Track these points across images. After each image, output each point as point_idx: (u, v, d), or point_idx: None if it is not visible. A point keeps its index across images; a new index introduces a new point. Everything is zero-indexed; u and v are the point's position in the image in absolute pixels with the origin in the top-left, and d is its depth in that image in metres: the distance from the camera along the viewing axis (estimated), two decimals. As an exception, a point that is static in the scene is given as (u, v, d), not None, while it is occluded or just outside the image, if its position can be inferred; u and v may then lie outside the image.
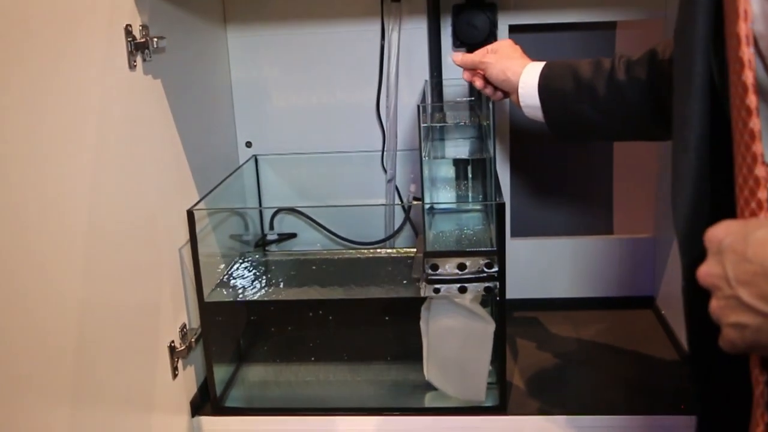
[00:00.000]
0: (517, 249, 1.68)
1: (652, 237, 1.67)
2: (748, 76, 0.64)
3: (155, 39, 1.17)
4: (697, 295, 0.63)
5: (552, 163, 1.72)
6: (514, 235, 1.70)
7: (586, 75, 1.13)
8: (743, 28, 0.64)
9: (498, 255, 1.25)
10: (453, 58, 1.29)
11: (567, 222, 1.73)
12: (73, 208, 0.95)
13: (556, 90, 1.16)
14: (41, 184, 0.88)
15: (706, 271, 0.61)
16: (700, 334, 0.73)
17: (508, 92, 1.24)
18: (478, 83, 1.27)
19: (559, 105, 1.17)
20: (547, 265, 1.71)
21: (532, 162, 1.71)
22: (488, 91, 1.27)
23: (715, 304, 0.61)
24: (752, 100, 0.64)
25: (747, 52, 0.64)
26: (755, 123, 0.64)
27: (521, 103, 1.20)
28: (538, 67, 1.19)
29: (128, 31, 1.12)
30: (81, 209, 0.97)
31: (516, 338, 1.57)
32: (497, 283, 1.25)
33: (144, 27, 1.16)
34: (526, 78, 1.19)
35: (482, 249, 1.28)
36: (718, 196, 0.73)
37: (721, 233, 0.61)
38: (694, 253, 0.65)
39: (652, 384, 1.39)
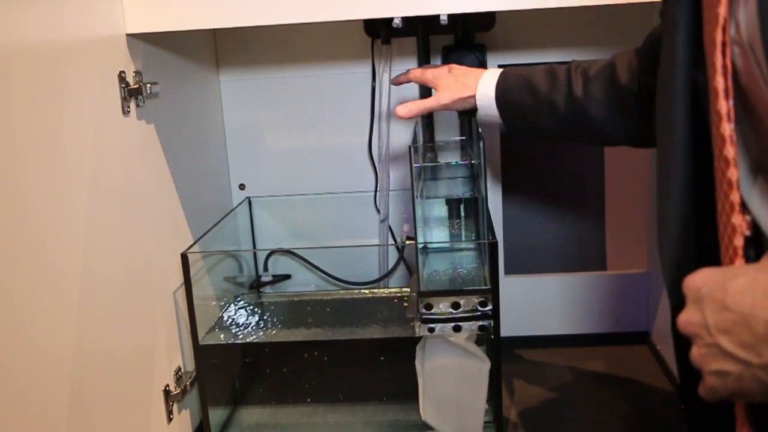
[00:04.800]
0: (511, 287, 1.68)
1: (645, 272, 1.68)
2: (726, 128, 0.65)
3: (148, 84, 1.19)
4: (686, 340, 0.64)
5: (544, 200, 1.73)
6: (507, 272, 1.71)
7: (543, 88, 1.14)
8: (720, 83, 0.65)
9: (492, 293, 1.25)
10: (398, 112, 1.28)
11: (560, 259, 1.74)
12: (67, 251, 0.95)
13: (514, 102, 1.17)
14: (35, 228, 0.88)
15: (686, 319, 0.61)
16: (691, 375, 0.73)
17: (464, 107, 1.24)
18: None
19: (519, 117, 1.18)
20: (542, 302, 1.71)
21: (524, 200, 1.72)
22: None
23: (696, 352, 0.61)
24: (730, 151, 0.65)
25: (724, 105, 0.65)
26: (733, 173, 0.65)
27: (479, 112, 1.21)
28: (494, 76, 1.20)
29: (122, 78, 1.13)
30: (75, 253, 0.97)
31: (512, 376, 1.57)
32: (492, 322, 1.25)
33: (137, 73, 1.18)
34: (483, 89, 1.19)
35: (476, 287, 1.28)
36: (704, 241, 0.74)
37: (699, 281, 0.61)
38: (682, 298, 0.65)
39: (648, 420, 1.39)
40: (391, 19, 1.18)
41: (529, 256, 1.74)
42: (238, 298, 1.59)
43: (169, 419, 1.26)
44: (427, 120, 1.59)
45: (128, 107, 1.15)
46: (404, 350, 1.33)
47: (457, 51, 1.55)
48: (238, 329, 1.43)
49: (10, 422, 0.81)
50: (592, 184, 1.71)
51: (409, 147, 1.29)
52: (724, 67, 0.65)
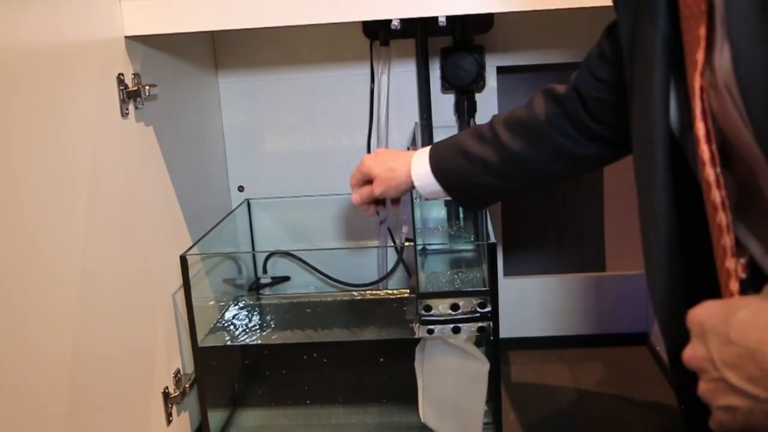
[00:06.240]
0: (510, 288, 1.68)
1: (644, 273, 1.68)
2: (710, 173, 0.65)
3: (147, 87, 1.19)
4: (685, 375, 0.64)
5: (543, 202, 1.73)
6: (506, 274, 1.71)
7: (473, 148, 1.12)
8: (701, 128, 0.65)
9: (491, 295, 1.25)
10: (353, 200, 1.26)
11: (559, 260, 1.74)
12: (66, 254, 0.95)
13: (451, 170, 1.14)
14: (34, 231, 0.88)
15: (691, 354, 0.61)
16: (686, 378, 0.74)
17: (399, 192, 1.22)
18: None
19: (459, 183, 1.15)
20: (541, 303, 1.71)
21: (523, 201, 1.72)
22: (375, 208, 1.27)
23: (703, 387, 0.60)
24: (716, 195, 0.65)
25: (706, 150, 0.65)
26: (722, 218, 0.65)
27: (421, 192, 1.18)
28: (424, 154, 1.17)
29: (120, 80, 1.13)
30: (74, 255, 0.97)
31: (511, 377, 1.57)
32: (491, 323, 1.25)
33: (136, 75, 1.18)
34: (418, 168, 1.16)
35: (475, 289, 1.28)
36: (694, 281, 0.74)
37: (702, 315, 0.60)
38: (676, 336, 0.65)
39: (648, 421, 1.39)
40: (389, 21, 1.19)
41: (528, 257, 1.74)
42: (238, 300, 1.59)
43: (169, 421, 1.26)
44: (426, 122, 1.59)
45: (127, 109, 1.15)
46: (403, 352, 1.33)
47: (456, 53, 1.55)
48: (237, 331, 1.43)
49: (10, 424, 0.81)
50: (591, 186, 1.71)
51: (408, 148, 1.29)
52: (704, 111, 0.65)
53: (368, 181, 1.22)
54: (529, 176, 1.13)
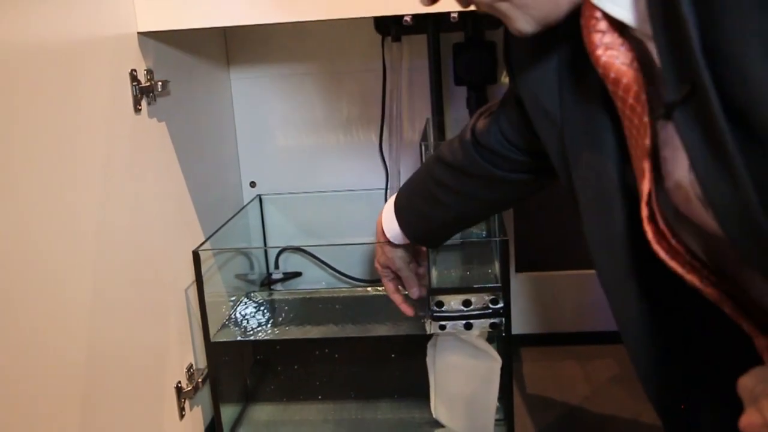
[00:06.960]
0: (522, 284, 1.68)
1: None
2: (693, 280, 0.66)
3: (160, 83, 1.19)
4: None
5: (554, 197, 1.72)
6: (518, 270, 1.70)
7: (423, 208, 1.12)
8: (659, 250, 0.67)
9: (503, 291, 1.25)
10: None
11: (571, 256, 1.73)
12: (79, 249, 0.96)
13: (420, 230, 1.15)
14: (48, 226, 0.88)
15: (747, 422, 0.59)
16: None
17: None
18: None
19: (427, 237, 1.17)
20: (553, 299, 1.71)
21: (535, 197, 1.71)
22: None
23: None
24: (710, 293, 0.66)
25: (676, 266, 0.67)
26: (729, 307, 0.66)
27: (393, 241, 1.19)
28: (390, 211, 1.17)
29: (133, 76, 1.14)
30: (87, 251, 0.98)
31: (523, 374, 1.57)
32: (503, 319, 1.25)
33: (149, 71, 1.18)
34: (387, 225, 1.18)
35: (487, 285, 1.28)
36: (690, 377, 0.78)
37: (750, 382, 0.60)
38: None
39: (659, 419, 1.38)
40: (401, 17, 1.19)
41: (540, 253, 1.73)
42: (249, 296, 1.59)
43: (181, 416, 1.27)
44: (438, 118, 1.59)
45: (140, 105, 1.16)
46: (415, 348, 1.33)
47: (468, 49, 1.54)
48: (249, 326, 1.43)
49: (25, 418, 0.81)
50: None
51: (420, 144, 1.29)
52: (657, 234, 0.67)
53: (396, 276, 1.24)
54: (479, 218, 1.19)
